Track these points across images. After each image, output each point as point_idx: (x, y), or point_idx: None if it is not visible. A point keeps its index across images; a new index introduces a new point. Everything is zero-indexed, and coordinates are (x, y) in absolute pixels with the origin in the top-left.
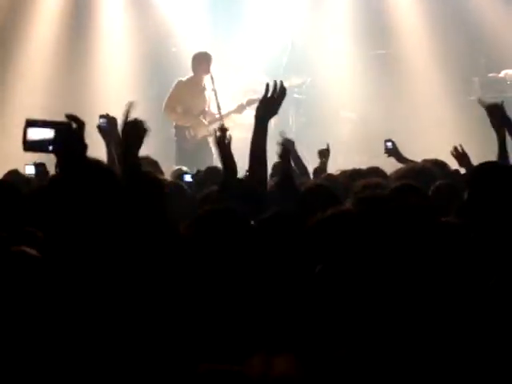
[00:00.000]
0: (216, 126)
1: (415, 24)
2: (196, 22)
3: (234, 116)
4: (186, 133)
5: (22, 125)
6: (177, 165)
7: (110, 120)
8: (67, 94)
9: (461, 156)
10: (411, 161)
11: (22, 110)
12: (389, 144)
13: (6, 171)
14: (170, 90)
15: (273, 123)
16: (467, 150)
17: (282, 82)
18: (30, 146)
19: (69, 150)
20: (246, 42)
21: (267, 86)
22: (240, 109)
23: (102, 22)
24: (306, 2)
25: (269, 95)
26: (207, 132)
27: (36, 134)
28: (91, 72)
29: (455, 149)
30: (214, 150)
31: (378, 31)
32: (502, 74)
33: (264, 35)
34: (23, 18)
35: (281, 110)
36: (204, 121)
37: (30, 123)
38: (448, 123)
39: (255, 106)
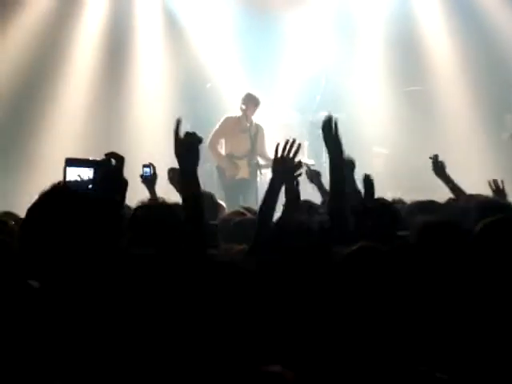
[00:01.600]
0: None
1: (448, 61)
2: (230, 58)
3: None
4: (226, 172)
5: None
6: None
7: (154, 168)
8: (102, 132)
9: (498, 191)
10: (459, 188)
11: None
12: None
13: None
14: (217, 125)
15: (306, 157)
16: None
17: (294, 140)
18: (69, 185)
19: (108, 188)
20: (279, 77)
21: (277, 146)
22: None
23: (138, 57)
24: (340, 38)
25: (283, 154)
26: (247, 174)
27: (75, 173)
28: (126, 108)
29: (494, 182)
30: (260, 189)
31: (411, 68)
32: None
33: (298, 71)
34: (61, 56)
35: (314, 146)
36: (244, 162)
37: (70, 162)
38: (480, 160)
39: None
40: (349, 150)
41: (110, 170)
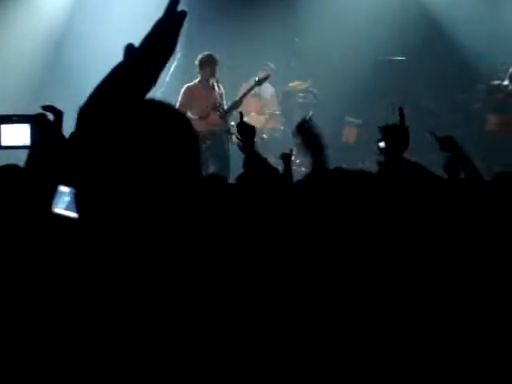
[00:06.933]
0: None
1: (421, 30)
2: (205, 23)
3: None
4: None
5: None
6: None
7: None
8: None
9: None
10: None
11: None
12: None
13: None
14: (178, 97)
15: (281, 127)
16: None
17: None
18: (5, 143)
19: (46, 144)
20: (251, 45)
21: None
22: (255, 85)
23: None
24: (313, 4)
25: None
26: (217, 126)
27: (10, 130)
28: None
29: None
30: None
31: (385, 37)
32: (506, 82)
33: (270, 38)
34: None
35: (286, 114)
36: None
37: (3, 119)
38: (452, 130)
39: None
40: (320, 119)
41: (47, 125)
